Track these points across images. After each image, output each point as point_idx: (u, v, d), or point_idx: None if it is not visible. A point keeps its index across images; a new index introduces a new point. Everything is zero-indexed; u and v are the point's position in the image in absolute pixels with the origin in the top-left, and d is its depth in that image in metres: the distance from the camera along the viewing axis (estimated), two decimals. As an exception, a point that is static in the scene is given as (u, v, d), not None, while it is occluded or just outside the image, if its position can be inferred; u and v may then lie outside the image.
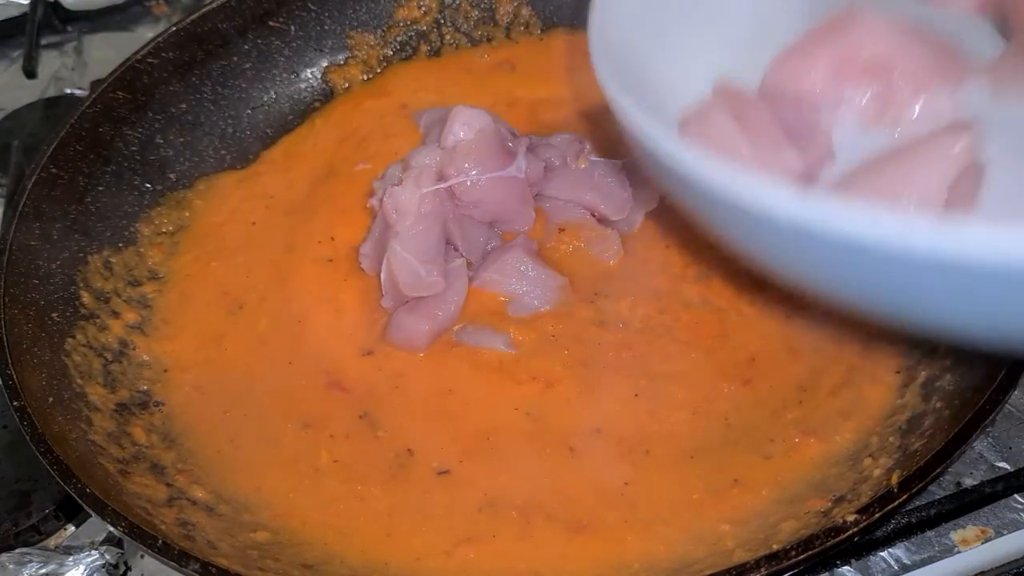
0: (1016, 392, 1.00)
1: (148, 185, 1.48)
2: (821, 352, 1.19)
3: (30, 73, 1.89)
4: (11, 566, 1.22)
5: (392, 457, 1.17)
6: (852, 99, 0.96)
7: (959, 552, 1.11)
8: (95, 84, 1.57)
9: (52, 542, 1.27)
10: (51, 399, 1.16)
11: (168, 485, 1.15)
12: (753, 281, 1.24)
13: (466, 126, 1.34)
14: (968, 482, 1.16)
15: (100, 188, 1.41)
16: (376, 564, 1.09)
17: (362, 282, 1.35)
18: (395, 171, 1.39)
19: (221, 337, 1.34)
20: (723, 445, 1.13)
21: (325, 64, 1.65)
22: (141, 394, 1.27)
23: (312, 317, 1.33)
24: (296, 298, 1.36)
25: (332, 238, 1.42)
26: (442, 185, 1.30)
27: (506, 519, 1.10)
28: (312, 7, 1.63)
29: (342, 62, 1.65)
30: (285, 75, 1.63)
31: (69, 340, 1.26)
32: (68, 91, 1.90)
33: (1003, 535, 1.12)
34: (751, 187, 0.71)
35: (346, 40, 1.65)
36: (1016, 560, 1.12)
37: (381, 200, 1.33)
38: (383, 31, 1.67)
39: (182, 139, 1.53)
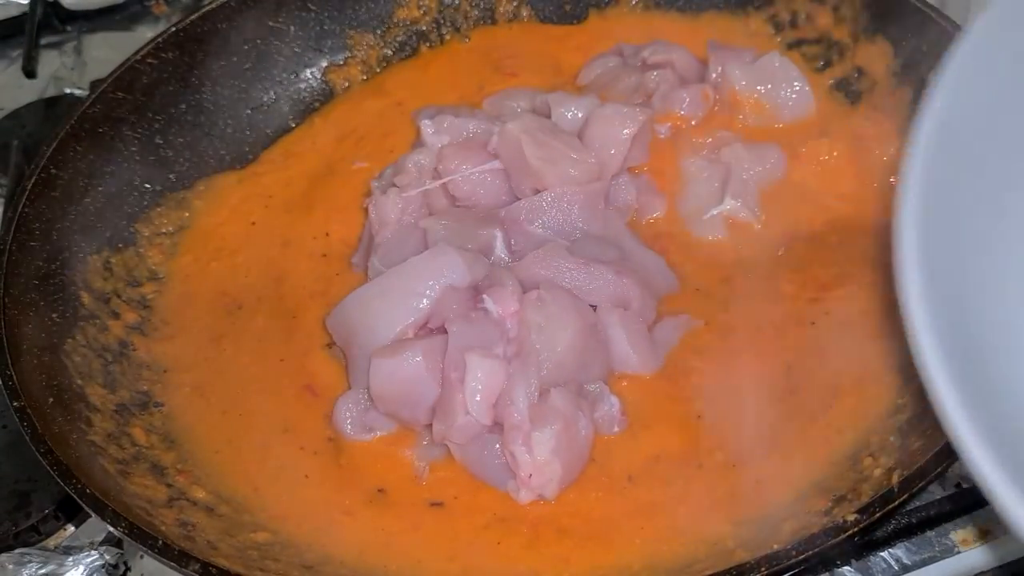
0: (1016, 392, 1.00)
1: (148, 185, 1.47)
2: (845, 354, 1.20)
3: (30, 73, 1.89)
4: (11, 566, 1.22)
5: (363, 491, 1.17)
6: None
7: (959, 552, 1.11)
8: (95, 84, 1.57)
9: (52, 542, 1.27)
10: (51, 400, 1.16)
11: (168, 486, 1.15)
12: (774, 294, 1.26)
13: (434, 132, 1.37)
14: (968, 482, 1.16)
15: (100, 189, 1.41)
16: (375, 567, 1.09)
17: (353, 278, 1.36)
18: (391, 173, 1.40)
19: (220, 337, 1.34)
20: (765, 453, 1.13)
21: (325, 64, 1.65)
22: (141, 395, 1.28)
23: (305, 312, 1.34)
24: (290, 295, 1.37)
25: (327, 234, 1.43)
26: (428, 186, 1.31)
27: (515, 533, 1.10)
28: (312, 7, 1.63)
29: (342, 62, 1.65)
30: (285, 75, 1.63)
31: (69, 341, 1.26)
32: (68, 91, 1.90)
33: (1003, 535, 1.11)
34: None
35: (346, 40, 1.65)
36: (1016, 560, 1.12)
37: (366, 208, 1.35)
38: (383, 31, 1.67)
39: (182, 139, 1.53)
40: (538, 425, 1.09)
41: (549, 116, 1.38)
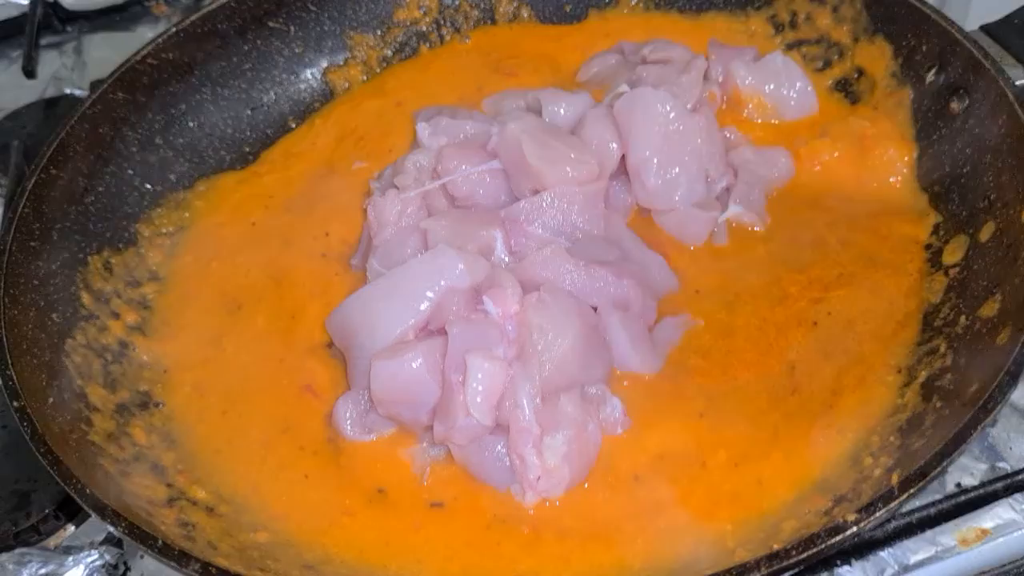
0: (1016, 391, 1.00)
1: (148, 186, 1.48)
2: (846, 354, 1.20)
3: (30, 73, 1.89)
4: (11, 566, 1.22)
5: (363, 491, 1.17)
6: None
7: (959, 552, 1.11)
8: (95, 84, 1.57)
9: (52, 542, 1.27)
10: (51, 400, 1.16)
11: (168, 485, 1.15)
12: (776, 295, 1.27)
13: (431, 133, 1.37)
14: (968, 482, 1.16)
15: (100, 189, 1.41)
16: (375, 567, 1.09)
17: (353, 278, 1.36)
18: (390, 173, 1.41)
19: (220, 337, 1.34)
20: (768, 451, 1.14)
21: (325, 65, 1.65)
22: (141, 395, 1.28)
23: (304, 312, 1.34)
24: (290, 295, 1.37)
25: (327, 234, 1.43)
26: (428, 187, 1.31)
27: (515, 533, 1.10)
28: (312, 8, 1.63)
29: (342, 63, 1.66)
30: (285, 76, 1.63)
31: (69, 341, 1.26)
32: (68, 91, 1.90)
33: (1003, 535, 1.12)
34: None
35: (346, 41, 1.66)
36: (1016, 560, 1.12)
37: (365, 208, 1.36)
38: (383, 32, 1.67)
39: (182, 140, 1.53)
40: (550, 430, 1.09)
41: (540, 113, 1.39)
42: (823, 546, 0.88)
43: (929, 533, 1.13)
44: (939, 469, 0.93)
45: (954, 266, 1.23)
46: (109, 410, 1.22)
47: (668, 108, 1.30)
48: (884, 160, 1.35)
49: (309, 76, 1.65)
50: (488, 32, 1.69)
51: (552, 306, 1.15)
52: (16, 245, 1.26)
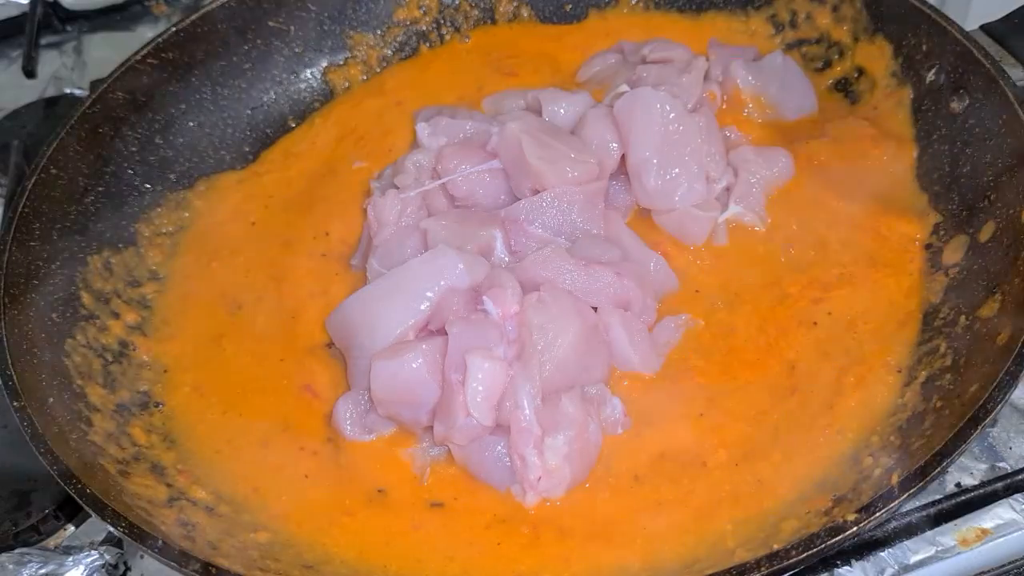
0: (1016, 391, 1.00)
1: (148, 186, 1.48)
2: (846, 354, 1.20)
3: (30, 73, 1.89)
4: (11, 566, 1.22)
5: (363, 491, 1.17)
6: None
7: (959, 552, 1.11)
8: (95, 84, 1.57)
9: (52, 542, 1.27)
10: (51, 400, 1.16)
11: (168, 485, 1.15)
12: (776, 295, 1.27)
13: (431, 133, 1.37)
14: (968, 482, 1.16)
15: (100, 189, 1.41)
16: (375, 567, 1.09)
17: (353, 278, 1.36)
18: (390, 173, 1.41)
19: (220, 337, 1.34)
20: (768, 451, 1.14)
21: (325, 64, 1.65)
22: (141, 395, 1.28)
23: (304, 312, 1.34)
24: (290, 294, 1.37)
25: (327, 233, 1.43)
26: (428, 187, 1.31)
27: (515, 533, 1.10)
28: (312, 7, 1.63)
29: (342, 62, 1.66)
30: (285, 75, 1.63)
31: (69, 341, 1.26)
32: (68, 91, 1.90)
33: (1003, 535, 1.12)
34: None
35: (346, 40, 1.66)
36: (1016, 560, 1.12)
37: (365, 208, 1.36)
38: (383, 31, 1.67)
39: (182, 139, 1.53)
40: (550, 431, 1.09)
41: (540, 113, 1.39)
42: (823, 546, 0.89)
43: (929, 533, 1.13)
44: (939, 469, 0.93)
45: (954, 266, 1.23)
46: (109, 410, 1.22)
47: (668, 108, 1.30)
48: (884, 160, 1.35)
49: (309, 76, 1.65)
50: (488, 32, 1.69)
51: (552, 306, 1.15)
52: (16, 245, 1.26)
